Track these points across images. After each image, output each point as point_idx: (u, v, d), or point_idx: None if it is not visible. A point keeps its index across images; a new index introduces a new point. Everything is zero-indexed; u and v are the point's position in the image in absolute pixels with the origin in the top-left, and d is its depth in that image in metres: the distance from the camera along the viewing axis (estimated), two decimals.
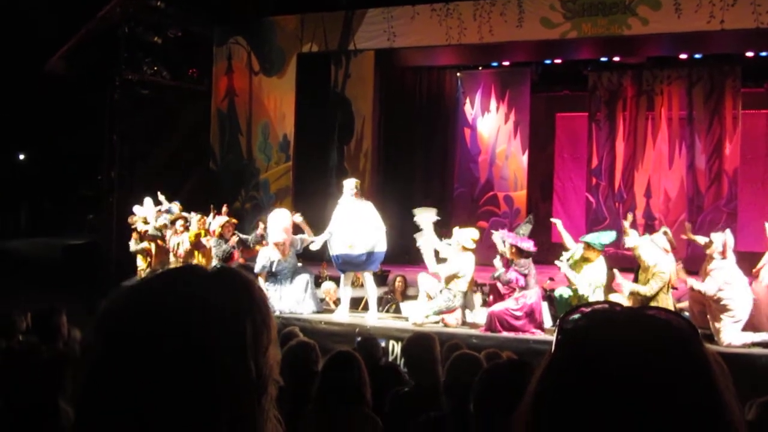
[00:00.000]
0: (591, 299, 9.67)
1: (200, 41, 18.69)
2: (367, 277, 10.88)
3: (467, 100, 19.82)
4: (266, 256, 11.04)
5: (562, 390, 1.04)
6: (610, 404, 0.99)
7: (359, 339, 7.78)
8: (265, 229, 11.48)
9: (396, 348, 9.80)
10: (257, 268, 10.99)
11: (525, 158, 19.08)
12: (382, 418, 5.20)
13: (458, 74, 19.96)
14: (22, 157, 26.62)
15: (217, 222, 12.24)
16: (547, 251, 17.15)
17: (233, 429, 1.13)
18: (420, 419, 4.25)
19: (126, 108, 17.45)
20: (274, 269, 11.00)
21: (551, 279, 11.84)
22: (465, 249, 10.17)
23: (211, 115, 18.70)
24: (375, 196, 14.91)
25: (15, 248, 20.61)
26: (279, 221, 11.01)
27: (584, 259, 9.97)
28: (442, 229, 11.01)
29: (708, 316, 9.12)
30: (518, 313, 9.74)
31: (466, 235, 10.23)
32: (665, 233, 10.04)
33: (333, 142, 17.81)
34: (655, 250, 9.64)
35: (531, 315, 9.76)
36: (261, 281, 10.84)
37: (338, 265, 10.84)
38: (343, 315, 10.83)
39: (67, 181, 24.17)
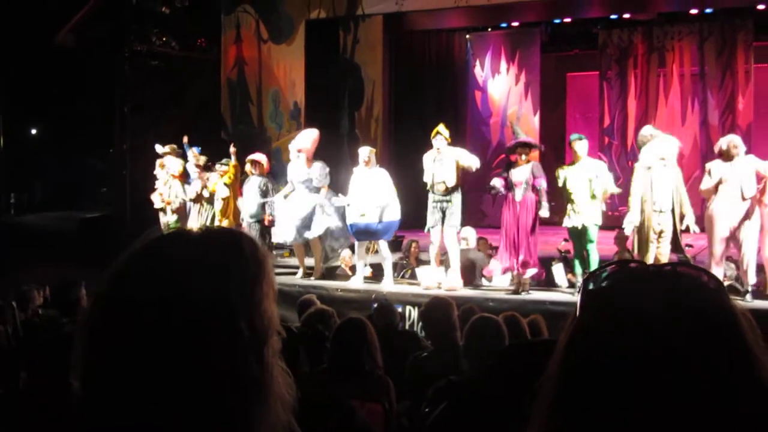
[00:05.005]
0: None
1: (208, 10, 18.60)
2: (382, 244, 10.90)
3: (477, 63, 19.72)
4: (327, 173, 11.34)
5: (589, 353, 1.04)
6: (640, 365, 1.00)
7: (376, 305, 7.81)
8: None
9: (413, 313, 9.85)
10: (327, 181, 11.30)
11: (537, 119, 19.00)
12: (402, 382, 5.25)
13: (467, 36, 19.84)
14: (33, 131, 26.67)
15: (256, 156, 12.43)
16: (560, 212, 17.13)
17: (233, 384, 1.15)
18: (441, 383, 4.28)
19: (136, 80, 17.44)
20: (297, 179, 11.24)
21: (566, 240, 11.79)
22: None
23: (221, 84, 18.64)
24: (387, 161, 14.88)
25: (30, 222, 20.69)
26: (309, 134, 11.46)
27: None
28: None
29: None
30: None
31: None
32: None
33: (344, 109, 17.75)
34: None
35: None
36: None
37: (353, 234, 10.88)
38: (358, 282, 10.88)
39: (79, 155, 24.21)
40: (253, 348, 1.18)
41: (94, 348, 1.18)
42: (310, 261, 11.63)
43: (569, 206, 9.86)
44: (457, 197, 10.29)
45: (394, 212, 10.66)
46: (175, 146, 14.20)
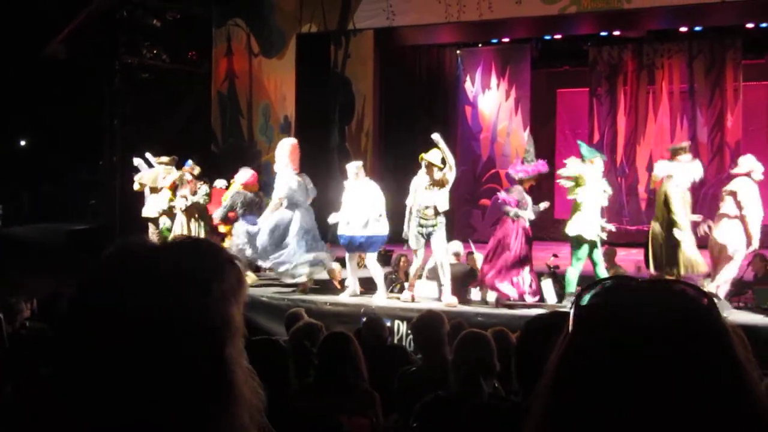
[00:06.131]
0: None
1: (199, 24, 18.61)
2: (370, 258, 10.87)
3: (467, 78, 19.78)
4: (285, 183, 11.09)
5: (583, 366, 1.04)
6: (633, 378, 1.00)
7: (365, 319, 7.79)
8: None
9: (402, 328, 9.83)
10: (281, 193, 11.05)
11: (526, 135, 19.03)
12: (391, 396, 5.23)
13: (458, 52, 19.90)
14: (23, 143, 26.60)
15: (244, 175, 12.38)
16: (549, 228, 17.18)
17: (195, 383, 1.18)
18: (428, 398, 4.27)
19: (126, 92, 17.42)
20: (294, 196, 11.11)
21: (555, 255, 11.80)
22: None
23: (211, 97, 18.63)
24: (377, 175, 14.88)
25: (18, 234, 20.60)
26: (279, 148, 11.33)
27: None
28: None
29: None
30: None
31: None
32: None
33: (334, 123, 17.76)
34: None
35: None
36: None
37: (342, 246, 10.90)
38: (347, 296, 10.85)
39: (68, 167, 24.15)
40: (214, 348, 1.20)
41: (63, 352, 1.22)
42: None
43: (588, 217, 9.75)
44: (442, 220, 10.30)
45: (380, 226, 10.65)
46: (176, 157, 14.20)
